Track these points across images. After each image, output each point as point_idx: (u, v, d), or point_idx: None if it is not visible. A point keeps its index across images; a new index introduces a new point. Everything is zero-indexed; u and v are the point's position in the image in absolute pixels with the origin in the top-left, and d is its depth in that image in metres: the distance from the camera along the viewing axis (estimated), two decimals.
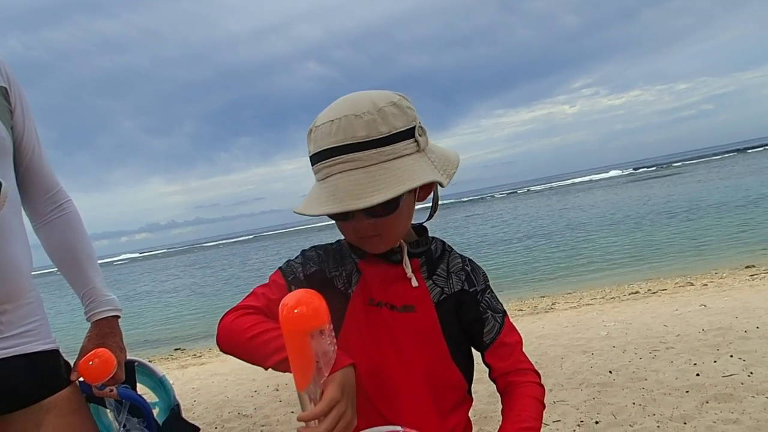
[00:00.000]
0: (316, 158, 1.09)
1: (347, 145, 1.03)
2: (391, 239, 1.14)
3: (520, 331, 1.23)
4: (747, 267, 8.21)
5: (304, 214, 1.08)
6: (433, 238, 1.25)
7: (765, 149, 66.86)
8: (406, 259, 1.18)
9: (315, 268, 1.20)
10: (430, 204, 1.24)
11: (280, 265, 1.21)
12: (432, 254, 1.22)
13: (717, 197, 19.97)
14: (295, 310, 0.84)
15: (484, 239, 20.36)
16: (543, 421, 1.14)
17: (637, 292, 7.48)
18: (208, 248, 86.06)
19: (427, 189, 1.18)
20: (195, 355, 8.51)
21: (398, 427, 1.03)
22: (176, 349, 9.56)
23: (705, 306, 5.57)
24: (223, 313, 1.12)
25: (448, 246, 1.25)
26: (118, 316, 1.51)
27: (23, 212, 1.44)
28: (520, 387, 1.15)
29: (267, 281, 1.19)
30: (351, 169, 1.04)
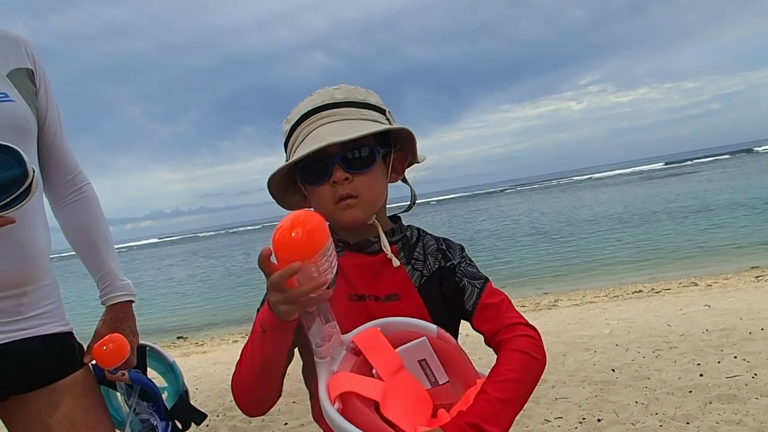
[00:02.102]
0: (296, 123, 1.17)
1: (327, 104, 1.17)
2: (368, 204, 1.17)
3: None
4: (752, 268, 8.19)
5: (281, 167, 1.14)
6: (408, 225, 1.29)
7: None
8: (383, 236, 1.20)
9: None
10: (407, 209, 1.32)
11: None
12: (408, 240, 1.25)
13: (724, 197, 19.89)
14: (292, 233, 0.80)
15: (488, 235, 20.36)
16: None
17: (640, 291, 7.47)
18: (213, 237, 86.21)
19: (398, 168, 1.25)
20: (197, 343, 8.55)
21: (424, 336, 1.05)
22: (179, 338, 9.62)
23: (709, 306, 5.56)
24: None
25: (423, 231, 1.29)
26: (132, 301, 1.53)
27: (43, 194, 1.45)
28: (507, 343, 1.12)
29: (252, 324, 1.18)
30: (333, 121, 1.15)
